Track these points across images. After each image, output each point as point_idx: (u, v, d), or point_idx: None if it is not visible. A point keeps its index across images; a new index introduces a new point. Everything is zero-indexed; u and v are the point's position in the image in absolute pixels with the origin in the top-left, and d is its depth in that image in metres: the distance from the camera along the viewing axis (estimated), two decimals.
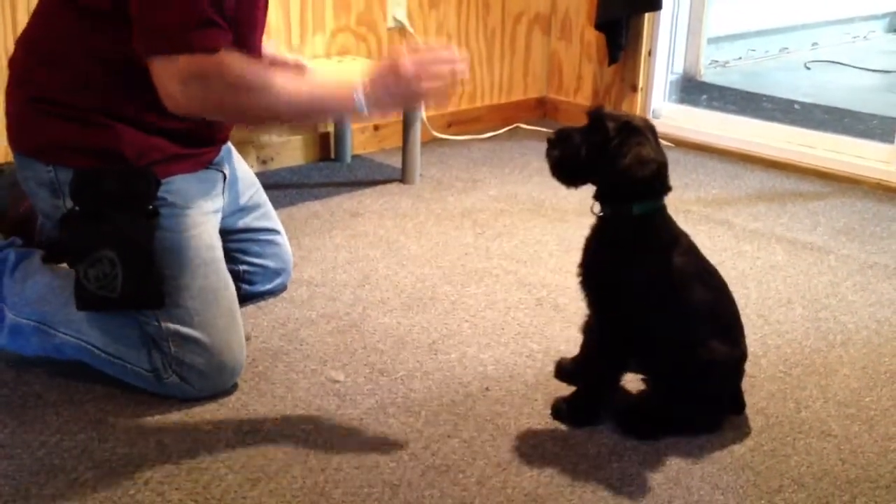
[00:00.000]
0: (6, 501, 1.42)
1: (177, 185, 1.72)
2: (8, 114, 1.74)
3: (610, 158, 1.53)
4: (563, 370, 1.82)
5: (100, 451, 1.56)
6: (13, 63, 1.73)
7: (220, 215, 1.86)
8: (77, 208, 1.66)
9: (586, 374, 1.71)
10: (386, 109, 1.64)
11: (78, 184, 1.66)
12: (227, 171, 1.90)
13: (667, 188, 1.60)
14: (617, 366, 1.65)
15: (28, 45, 1.72)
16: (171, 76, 1.54)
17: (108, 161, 1.65)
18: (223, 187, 1.88)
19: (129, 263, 1.63)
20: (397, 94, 1.57)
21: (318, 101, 1.63)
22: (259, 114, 1.64)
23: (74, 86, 1.64)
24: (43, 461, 1.53)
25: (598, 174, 1.58)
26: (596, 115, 1.57)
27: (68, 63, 1.65)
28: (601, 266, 1.62)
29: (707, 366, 1.58)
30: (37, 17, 1.73)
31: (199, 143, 1.78)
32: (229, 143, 1.99)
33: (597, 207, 1.62)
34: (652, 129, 1.57)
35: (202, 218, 1.76)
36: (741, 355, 1.66)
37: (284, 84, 1.60)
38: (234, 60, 1.57)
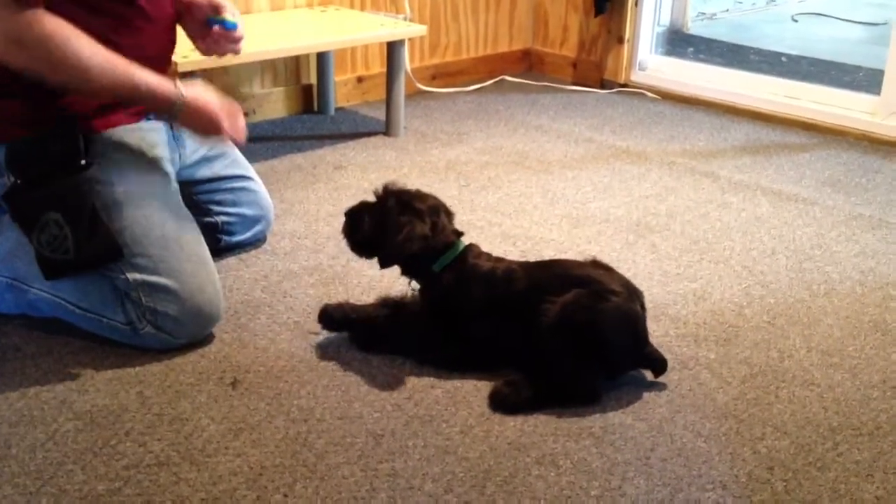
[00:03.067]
0: None
1: (115, 137, 1.69)
2: None
3: (386, 236, 1.63)
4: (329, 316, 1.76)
5: (80, 402, 1.55)
6: None
7: (172, 164, 1.82)
8: (18, 181, 1.63)
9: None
10: (193, 125, 1.70)
11: (11, 156, 1.63)
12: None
13: (452, 237, 1.68)
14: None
15: None
16: None
17: (38, 127, 1.62)
18: (171, 134, 1.85)
19: (75, 221, 1.61)
20: (207, 121, 1.69)
21: (133, 80, 1.59)
22: (69, 72, 1.56)
23: None
24: (22, 412, 1.51)
25: (381, 249, 1.67)
26: (382, 193, 1.66)
27: None
28: (445, 317, 1.67)
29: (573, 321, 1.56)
30: None
31: None
32: None
33: (411, 283, 1.73)
34: (433, 206, 1.67)
35: (149, 166, 1.73)
36: (624, 308, 1.59)
37: (98, 53, 1.56)
38: (48, 20, 1.52)
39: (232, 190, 2.03)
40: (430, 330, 1.67)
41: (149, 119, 1.80)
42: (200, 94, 1.67)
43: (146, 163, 1.73)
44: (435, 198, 1.70)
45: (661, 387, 1.64)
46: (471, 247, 1.71)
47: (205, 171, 1.98)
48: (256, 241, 2.13)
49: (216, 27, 1.82)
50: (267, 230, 2.15)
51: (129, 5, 1.68)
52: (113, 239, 1.64)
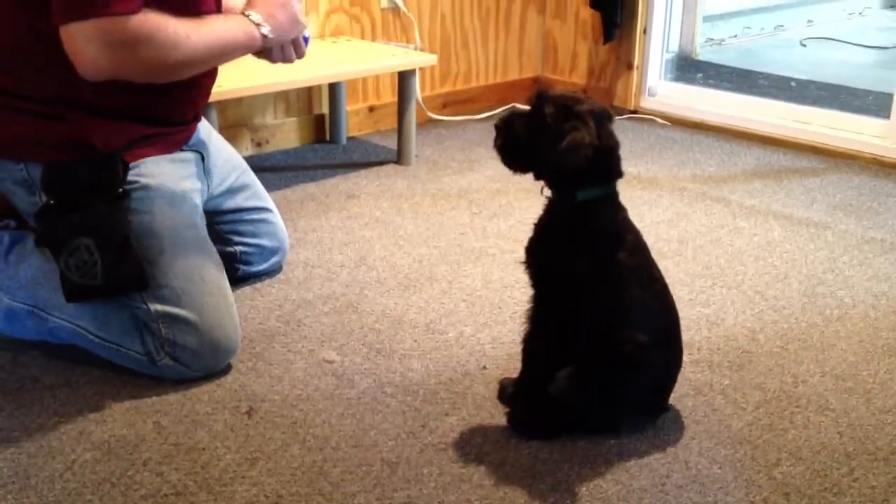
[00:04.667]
0: (5, 483, 1.43)
1: (149, 168, 1.72)
2: None
3: (546, 144, 1.45)
4: (507, 391, 1.68)
5: (98, 432, 1.56)
6: None
7: (200, 196, 1.85)
8: (51, 202, 1.66)
9: (526, 366, 1.62)
10: (282, 29, 1.76)
11: (48, 177, 1.65)
12: (204, 152, 1.90)
13: (614, 174, 1.53)
14: (551, 350, 1.55)
15: None
16: (86, 40, 1.52)
17: (76, 151, 1.65)
18: (202, 168, 1.88)
19: (105, 248, 1.62)
20: (283, 12, 1.75)
21: (226, 38, 1.68)
22: (178, 68, 1.64)
23: (28, 78, 1.63)
24: (41, 443, 1.53)
25: (538, 161, 1.50)
26: (537, 99, 1.48)
27: (18, 56, 1.62)
28: (542, 250, 1.57)
29: (627, 358, 1.50)
30: None
31: (167, 123, 1.77)
32: (208, 127, 1.99)
33: (546, 191, 1.56)
34: (600, 113, 1.48)
35: (179, 198, 1.75)
36: (671, 357, 1.59)
37: (195, 31, 1.62)
38: (147, 18, 1.55)
39: (252, 221, 2.06)
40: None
41: (182, 150, 1.83)
42: (268, 6, 1.73)
43: (177, 194, 1.75)
44: (594, 101, 1.51)
45: (676, 413, 1.64)
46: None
47: (228, 203, 2.01)
48: (272, 272, 2.14)
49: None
50: (283, 261, 2.17)
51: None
52: (141, 269, 1.65)
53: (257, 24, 1.71)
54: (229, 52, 1.70)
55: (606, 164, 1.50)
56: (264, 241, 2.08)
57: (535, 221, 1.59)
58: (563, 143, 1.42)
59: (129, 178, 1.68)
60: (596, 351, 1.51)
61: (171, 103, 1.76)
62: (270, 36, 1.73)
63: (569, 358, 1.53)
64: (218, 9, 1.78)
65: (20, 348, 1.79)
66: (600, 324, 1.51)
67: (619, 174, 1.54)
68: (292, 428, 1.58)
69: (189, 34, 1.61)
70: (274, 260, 2.13)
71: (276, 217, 2.12)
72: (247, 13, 1.72)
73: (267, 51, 1.81)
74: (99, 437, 1.55)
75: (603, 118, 1.48)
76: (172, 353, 1.68)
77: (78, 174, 1.64)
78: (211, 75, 1.86)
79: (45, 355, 1.77)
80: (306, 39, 1.88)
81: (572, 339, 1.53)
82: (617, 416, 1.58)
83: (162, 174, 1.74)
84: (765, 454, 1.54)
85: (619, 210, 1.57)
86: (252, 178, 2.09)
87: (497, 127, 1.53)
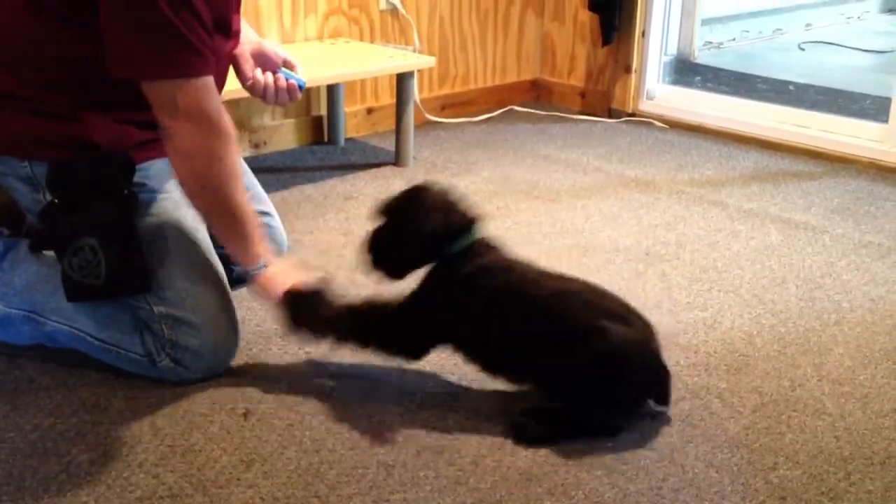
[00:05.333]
0: (0, 485, 1.42)
1: (154, 170, 1.72)
2: None
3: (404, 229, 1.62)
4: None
5: (93, 433, 1.56)
6: None
7: None
8: (55, 200, 1.65)
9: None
10: (263, 290, 1.71)
11: (53, 175, 1.64)
12: None
13: (463, 228, 1.62)
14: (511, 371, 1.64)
15: None
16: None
17: (81, 150, 1.64)
18: None
19: (109, 248, 1.62)
20: (278, 285, 1.69)
21: (243, 226, 1.67)
22: (211, 168, 1.63)
23: (40, 86, 1.62)
24: (36, 444, 1.52)
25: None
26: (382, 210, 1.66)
27: (32, 64, 1.62)
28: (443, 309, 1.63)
29: (601, 351, 1.52)
30: None
31: None
32: None
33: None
34: (440, 191, 1.62)
35: (183, 200, 1.75)
36: (641, 338, 1.59)
37: (239, 187, 1.66)
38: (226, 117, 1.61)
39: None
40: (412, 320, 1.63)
41: None
42: (277, 275, 1.69)
43: (180, 196, 1.74)
44: (441, 188, 1.64)
45: (673, 416, 1.64)
46: (489, 238, 1.65)
47: None
48: None
49: (290, 80, 1.94)
50: None
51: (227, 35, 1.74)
52: (145, 270, 1.65)
53: (260, 263, 1.69)
54: (226, 226, 1.69)
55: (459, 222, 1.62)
56: None
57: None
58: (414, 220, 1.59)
59: (136, 179, 1.67)
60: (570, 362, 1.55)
61: None
62: (252, 276, 1.70)
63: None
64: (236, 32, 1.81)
65: (16, 350, 1.79)
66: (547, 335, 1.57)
67: (468, 223, 1.63)
68: (288, 430, 1.58)
69: (236, 164, 1.64)
70: None
71: (275, 220, 2.11)
72: (264, 262, 1.69)
73: (261, 93, 1.93)
74: (95, 438, 1.54)
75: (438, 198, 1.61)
76: (173, 354, 1.68)
77: (83, 173, 1.64)
78: (219, 82, 1.86)
79: (41, 357, 1.77)
80: (301, 86, 1.96)
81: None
82: (607, 412, 1.59)
83: (167, 177, 1.73)
84: (761, 458, 1.54)
85: (488, 253, 1.64)
86: (252, 181, 2.08)
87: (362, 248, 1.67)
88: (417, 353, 1.69)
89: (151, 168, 1.71)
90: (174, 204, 1.73)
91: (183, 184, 1.66)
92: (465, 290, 1.60)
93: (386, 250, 1.65)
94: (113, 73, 1.56)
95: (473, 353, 1.64)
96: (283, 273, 1.69)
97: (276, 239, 2.11)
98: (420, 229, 1.58)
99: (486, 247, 1.64)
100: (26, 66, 1.62)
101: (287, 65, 1.96)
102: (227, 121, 1.62)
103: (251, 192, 2.06)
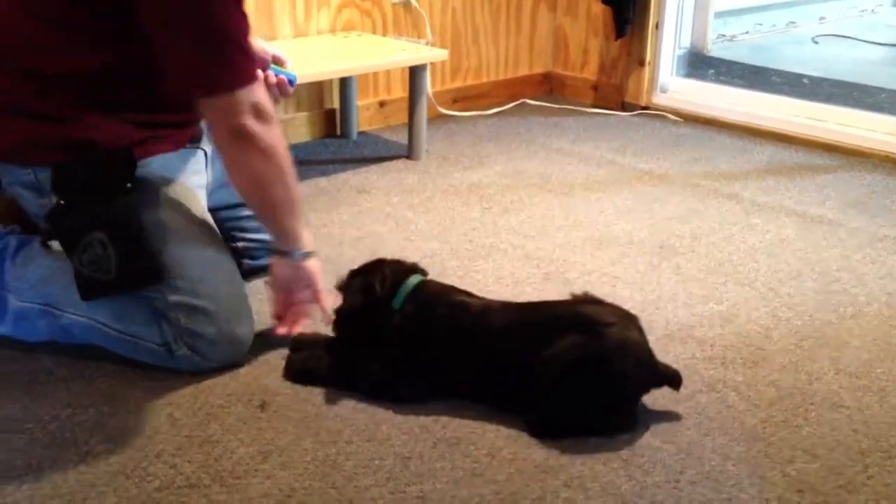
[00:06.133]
0: (19, 475, 1.43)
1: (156, 165, 1.72)
2: None
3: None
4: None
5: (111, 424, 1.56)
6: None
7: (205, 191, 1.85)
8: (61, 202, 1.65)
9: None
10: (283, 280, 1.75)
11: (57, 178, 1.64)
12: (207, 148, 1.89)
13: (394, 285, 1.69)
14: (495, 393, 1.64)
15: None
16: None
17: (82, 151, 1.64)
18: (206, 163, 1.88)
19: (118, 241, 1.62)
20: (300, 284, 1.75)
21: (291, 206, 1.72)
22: (269, 178, 1.68)
23: (38, 89, 1.62)
24: (55, 435, 1.53)
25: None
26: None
27: (30, 68, 1.61)
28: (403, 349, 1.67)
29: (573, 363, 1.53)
30: None
31: (173, 124, 1.77)
32: None
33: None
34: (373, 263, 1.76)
35: (188, 192, 1.75)
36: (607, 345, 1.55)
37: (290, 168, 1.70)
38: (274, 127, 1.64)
39: (255, 217, 2.04)
40: (390, 362, 1.66)
41: (187, 147, 1.82)
42: (315, 267, 1.76)
43: (186, 190, 1.75)
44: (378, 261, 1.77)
45: (690, 409, 1.64)
46: (429, 281, 1.74)
47: (229, 197, 1.99)
48: None
49: (280, 76, 1.93)
50: None
51: None
52: (155, 261, 1.65)
53: (301, 251, 1.74)
54: (280, 221, 1.73)
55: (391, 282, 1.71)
56: (269, 236, 2.07)
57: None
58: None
59: (139, 174, 1.68)
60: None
61: (176, 105, 1.74)
62: (297, 258, 1.74)
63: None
64: None
65: (33, 342, 1.79)
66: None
67: (416, 270, 1.74)
68: (305, 422, 1.58)
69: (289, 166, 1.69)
70: None
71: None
72: (305, 246, 1.74)
73: None
74: (112, 428, 1.55)
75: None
76: (191, 343, 1.68)
77: (85, 173, 1.63)
78: None
79: (59, 349, 1.77)
80: (292, 82, 1.96)
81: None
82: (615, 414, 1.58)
83: (170, 170, 1.73)
84: (779, 451, 1.53)
85: (442, 288, 1.75)
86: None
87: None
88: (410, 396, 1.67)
89: (153, 163, 1.71)
90: (180, 197, 1.73)
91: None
92: (415, 329, 1.65)
93: (344, 326, 1.73)
94: (172, 91, 1.59)
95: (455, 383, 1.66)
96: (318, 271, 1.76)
97: None
98: (353, 307, 1.69)
99: (423, 290, 1.70)
100: (24, 69, 1.62)
101: (276, 61, 1.95)
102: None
103: None
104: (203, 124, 1.91)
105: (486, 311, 1.66)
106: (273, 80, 1.92)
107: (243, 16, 1.57)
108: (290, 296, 1.77)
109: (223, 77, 1.55)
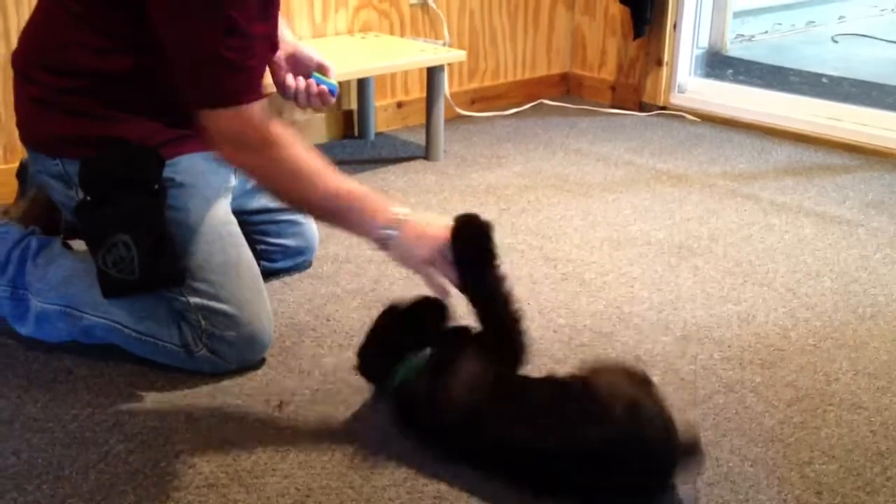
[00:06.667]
0: (39, 474, 1.44)
1: (183, 165, 1.72)
2: (16, 108, 1.75)
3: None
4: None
5: (130, 424, 1.57)
6: (16, 58, 1.72)
7: (230, 193, 1.85)
8: (88, 197, 1.66)
9: None
10: (406, 254, 1.57)
11: (85, 173, 1.66)
12: None
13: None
14: None
15: (28, 42, 1.71)
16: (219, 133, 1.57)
17: (110, 148, 1.66)
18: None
19: (142, 244, 1.63)
20: (427, 247, 1.55)
21: (349, 202, 1.59)
22: (285, 185, 1.62)
23: (74, 90, 1.64)
24: (75, 434, 1.54)
25: None
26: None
27: (66, 68, 1.64)
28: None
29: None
30: (37, 13, 1.71)
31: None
32: None
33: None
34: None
35: (213, 194, 1.76)
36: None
37: (317, 172, 1.60)
38: (273, 124, 1.58)
39: (277, 223, 2.06)
40: None
41: None
42: (424, 220, 1.57)
43: (212, 192, 1.76)
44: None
45: (707, 411, 1.63)
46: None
47: (254, 203, 2.01)
48: (298, 268, 2.15)
49: (321, 85, 1.92)
50: (311, 258, 2.17)
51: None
52: (177, 264, 1.67)
53: (390, 228, 1.55)
54: (338, 223, 1.63)
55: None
56: (288, 242, 2.08)
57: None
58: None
59: (166, 175, 1.69)
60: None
61: None
62: (389, 248, 1.57)
63: None
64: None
65: (53, 343, 1.81)
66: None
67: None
68: (322, 421, 1.59)
69: (314, 171, 1.59)
70: (301, 259, 2.14)
71: (304, 217, 2.10)
72: (397, 212, 1.56)
73: (293, 97, 1.93)
74: (132, 428, 1.56)
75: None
76: (210, 344, 1.69)
77: (113, 169, 1.65)
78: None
79: (79, 348, 1.79)
80: (332, 92, 1.94)
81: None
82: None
83: (197, 172, 1.74)
84: (797, 452, 1.53)
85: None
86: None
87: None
88: None
89: (181, 163, 1.72)
90: (205, 198, 1.74)
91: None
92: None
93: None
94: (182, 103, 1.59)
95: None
96: (430, 219, 1.58)
97: (305, 235, 2.12)
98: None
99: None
100: (59, 66, 1.64)
101: (321, 69, 1.95)
102: (273, 128, 1.59)
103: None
104: None
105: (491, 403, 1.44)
106: (314, 89, 1.92)
107: (249, 34, 1.54)
108: (431, 272, 1.57)
109: (206, 95, 1.55)
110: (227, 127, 1.56)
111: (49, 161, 1.70)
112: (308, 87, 1.93)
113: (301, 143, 1.62)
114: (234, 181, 1.89)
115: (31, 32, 1.72)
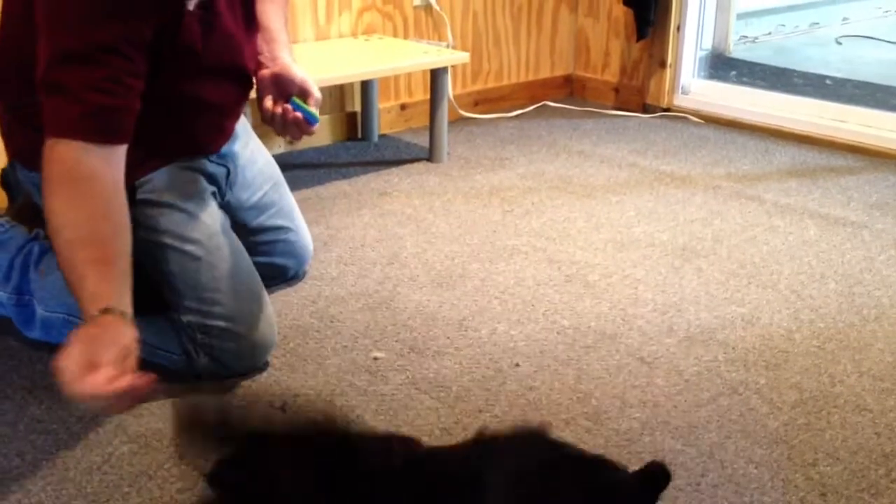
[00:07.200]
0: (44, 475, 1.44)
1: (156, 182, 1.68)
2: None
3: None
4: None
5: (135, 425, 1.57)
6: None
7: (214, 200, 1.79)
8: None
9: None
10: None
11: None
12: (231, 166, 1.86)
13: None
14: None
15: (1, 51, 1.67)
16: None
17: None
18: (226, 182, 1.85)
19: None
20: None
21: (78, 274, 1.43)
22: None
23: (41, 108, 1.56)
24: (79, 436, 1.54)
25: None
26: None
27: (35, 85, 1.54)
28: None
29: None
30: (6, 19, 1.66)
31: (186, 156, 1.75)
32: (246, 135, 1.97)
33: None
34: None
35: (193, 206, 1.71)
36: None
37: (75, 222, 1.43)
38: (65, 151, 1.44)
39: (268, 242, 2.01)
40: None
41: (210, 158, 1.80)
42: (94, 335, 1.38)
43: (190, 203, 1.71)
44: None
45: (712, 412, 1.63)
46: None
47: (252, 221, 1.97)
48: (289, 280, 2.11)
49: (298, 113, 1.75)
50: (298, 272, 2.12)
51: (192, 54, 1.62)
52: (153, 290, 1.64)
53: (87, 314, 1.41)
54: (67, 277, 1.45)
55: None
56: (276, 259, 2.03)
57: None
58: None
59: (140, 196, 1.65)
60: None
61: (189, 140, 1.73)
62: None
63: None
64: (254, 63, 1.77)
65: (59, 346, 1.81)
66: None
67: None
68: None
69: (71, 220, 1.42)
70: (288, 275, 2.09)
71: (296, 234, 2.06)
72: (94, 314, 1.39)
73: (269, 122, 1.78)
74: (136, 430, 1.56)
75: None
76: (210, 353, 1.69)
77: None
78: (233, 117, 1.83)
79: None
80: (310, 120, 1.76)
81: None
82: None
83: (173, 187, 1.69)
84: (801, 454, 1.52)
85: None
86: (281, 191, 2.03)
87: None
88: None
89: (153, 180, 1.68)
90: (183, 213, 1.71)
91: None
92: None
93: None
94: None
95: None
96: (104, 336, 1.39)
97: (296, 253, 2.07)
98: None
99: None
100: (30, 80, 1.56)
101: (302, 94, 1.78)
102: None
103: (276, 208, 2.01)
104: (237, 136, 1.89)
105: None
106: (290, 116, 1.75)
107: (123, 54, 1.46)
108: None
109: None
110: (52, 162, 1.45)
111: (25, 171, 1.70)
112: (285, 112, 1.76)
113: (77, 187, 1.46)
114: (219, 187, 1.84)
115: (3, 37, 1.66)
